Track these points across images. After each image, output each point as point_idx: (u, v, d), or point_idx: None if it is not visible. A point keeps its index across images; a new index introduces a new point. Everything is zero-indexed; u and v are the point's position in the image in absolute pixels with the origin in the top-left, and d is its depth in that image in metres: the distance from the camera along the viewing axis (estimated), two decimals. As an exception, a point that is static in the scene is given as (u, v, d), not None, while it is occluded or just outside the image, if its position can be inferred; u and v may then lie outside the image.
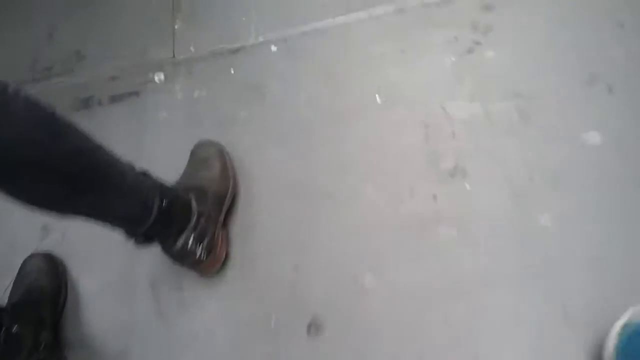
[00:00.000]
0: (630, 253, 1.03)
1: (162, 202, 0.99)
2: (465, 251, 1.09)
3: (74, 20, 1.60)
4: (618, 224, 1.05)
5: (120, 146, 1.33)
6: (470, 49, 1.25)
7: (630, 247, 1.04)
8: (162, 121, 1.39)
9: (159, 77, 1.44)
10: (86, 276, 1.26)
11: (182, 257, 1.08)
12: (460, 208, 1.12)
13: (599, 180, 1.08)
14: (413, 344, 1.05)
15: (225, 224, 1.20)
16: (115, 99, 1.45)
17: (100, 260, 1.26)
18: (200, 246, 1.08)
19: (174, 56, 1.46)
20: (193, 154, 1.24)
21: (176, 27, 1.50)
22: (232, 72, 1.40)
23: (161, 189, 1.01)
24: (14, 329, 1.07)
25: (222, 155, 1.22)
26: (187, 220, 1.07)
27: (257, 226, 1.21)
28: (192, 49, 1.46)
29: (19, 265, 1.25)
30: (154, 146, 1.37)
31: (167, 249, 1.07)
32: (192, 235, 1.07)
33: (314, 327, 1.11)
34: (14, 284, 1.23)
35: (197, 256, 1.08)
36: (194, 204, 1.09)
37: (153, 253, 1.15)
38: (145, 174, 1.01)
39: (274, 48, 1.39)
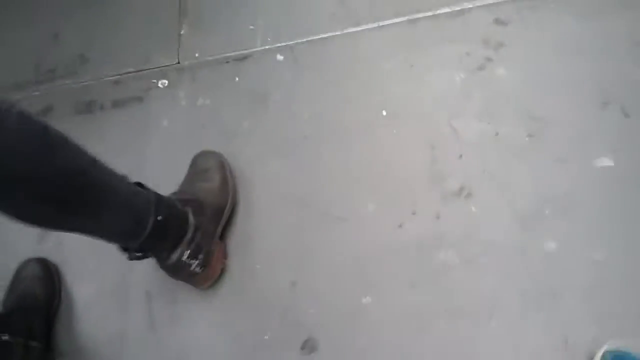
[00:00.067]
0: (635, 283, 1.02)
1: (157, 217, 1.00)
2: (466, 276, 1.09)
3: (79, 22, 1.61)
4: (624, 253, 1.04)
5: (121, 152, 1.37)
6: (481, 65, 1.25)
7: (635, 277, 1.02)
8: (165, 128, 1.40)
9: (162, 83, 1.45)
10: (81, 283, 1.27)
11: (176, 271, 1.09)
12: (464, 230, 1.12)
13: (608, 208, 1.08)
14: (408, 370, 1.05)
15: (222, 236, 1.20)
16: (117, 103, 1.46)
17: (96, 267, 1.27)
18: (196, 261, 1.09)
19: (178, 62, 1.47)
20: (193, 163, 1.24)
21: (182, 32, 1.51)
22: (237, 80, 1.40)
23: (157, 202, 1.01)
24: (5, 337, 1.08)
25: (223, 167, 1.22)
26: (183, 234, 1.07)
27: (255, 240, 1.21)
28: (197, 55, 1.47)
29: (14, 271, 1.25)
30: (155, 153, 1.38)
31: (162, 262, 1.07)
32: (188, 250, 1.07)
33: (308, 346, 1.11)
34: (8, 289, 1.25)
35: (192, 270, 1.09)
36: (190, 217, 1.09)
37: (149, 263, 1.15)
38: (140, 187, 1.02)
39: (280, 57, 1.39)
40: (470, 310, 1.07)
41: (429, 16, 1.33)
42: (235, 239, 1.23)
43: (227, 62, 1.43)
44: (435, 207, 1.15)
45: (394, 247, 1.14)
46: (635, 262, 1.04)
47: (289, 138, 1.30)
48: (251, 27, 1.46)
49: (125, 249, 1.01)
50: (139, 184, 1.02)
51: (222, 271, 1.18)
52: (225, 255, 1.19)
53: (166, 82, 1.46)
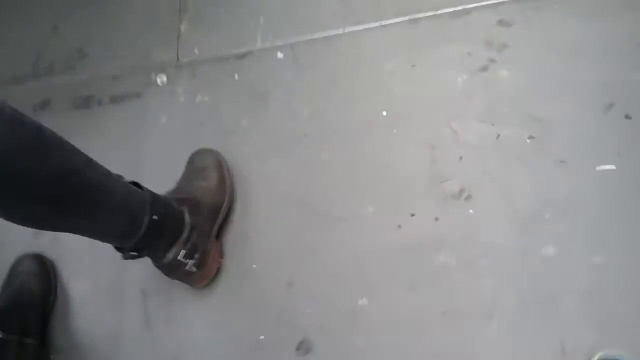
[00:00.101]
0: (634, 288, 1.02)
1: (153, 216, 1.00)
2: (465, 278, 1.09)
3: (78, 16, 1.61)
4: (623, 258, 1.04)
5: (118, 148, 1.38)
6: (484, 66, 1.24)
7: (635, 282, 1.03)
8: (163, 125, 1.40)
9: (161, 79, 1.45)
10: (77, 279, 1.28)
11: (171, 271, 1.09)
12: (462, 233, 1.12)
13: (609, 213, 1.07)
14: (404, 373, 1.05)
15: (219, 235, 1.21)
16: (116, 99, 1.46)
17: (92, 263, 1.28)
18: (191, 260, 1.09)
19: (177, 58, 1.47)
20: (191, 161, 1.25)
21: (182, 28, 1.51)
22: (236, 77, 1.41)
23: (152, 202, 1.02)
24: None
25: (220, 165, 1.23)
26: (178, 233, 1.08)
27: (252, 239, 1.22)
28: (196, 51, 1.47)
29: (10, 266, 1.26)
30: (153, 150, 1.39)
31: (157, 261, 1.08)
32: (183, 249, 1.08)
33: (303, 347, 1.12)
34: (3, 285, 1.25)
35: (188, 270, 1.09)
36: (187, 216, 1.10)
37: (145, 261, 1.16)
38: (135, 186, 1.02)
39: (280, 55, 1.39)
40: (469, 313, 1.08)
41: (431, 16, 1.33)
42: (232, 238, 1.23)
43: (227, 59, 1.43)
44: (435, 209, 1.15)
45: (393, 248, 1.15)
46: (635, 266, 1.04)
47: (288, 137, 1.31)
48: (252, 23, 1.46)
49: (120, 248, 1.01)
50: (135, 183, 1.03)
51: (218, 270, 1.19)
52: (221, 255, 1.19)
53: (165, 78, 1.46)
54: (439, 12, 1.33)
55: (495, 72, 1.24)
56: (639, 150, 1.10)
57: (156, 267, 1.09)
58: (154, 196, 1.05)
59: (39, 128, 0.83)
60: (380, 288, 1.12)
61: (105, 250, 1.12)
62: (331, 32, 1.39)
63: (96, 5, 1.61)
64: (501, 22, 1.27)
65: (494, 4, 1.29)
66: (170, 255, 1.07)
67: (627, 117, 1.13)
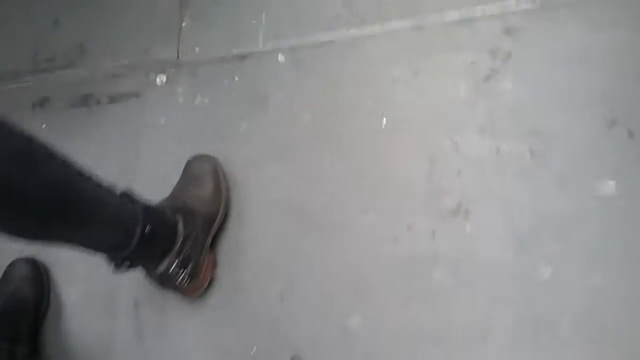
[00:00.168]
0: (630, 310, 1.02)
1: (145, 228, 1.01)
2: (459, 298, 1.10)
3: (80, 11, 1.61)
4: (620, 280, 1.04)
5: (116, 149, 1.39)
6: (487, 76, 1.24)
7: (631, 305, 1.03)
8: (161, 126, 1.41)
9: (160, 78, 1.46)
10: (70, 285, 1.30)
11: (163, 282, 1.11)
12: (459, 251, 1.12)
13: (608, 235, 1.07)
14: (394, 392, 1.07)
15: (213, 245, 1.22)
16: (114, 98, 1.47)
17: (86, 269, 1.30)
18: (184, 271, 1.10)
19: (178, 57, 1.48)
20: (187, 168, 1.25)
21: (183, 25, 1.51)
22: (237, 79, 1.41)
23: (144, 212, 1.03)
24: (-10, 343, 1.11)
25: (216, 173, 1.23)
26: (171, 244, 1.09)
27: (246, 250, 1.23)
28: (197, 50, 1.47)
29: (2, 270, 1.28)
30: (150, 152, 1.40)
31: (149, 272, 1.09)
32: (176, 260, 1.09)
33: (294, 362, 1.13)
34: (-4, 290, 1.27)
35: (180, 281, 1.11)
36: (180, 226, 1.11)
37: (138, 268, 1.17)
38: (128, 196, 1.03)
39: (281, 58, 1.39)
40: (463, 332, 1.08)
41: (436, 22, 1.32)
42: (227, 247, 1.24)
43: (228, 60, 1.43)
44: (431, 224, 1.15)
45: (388, 263, 1.15)
46: (632, 288, 1.03)
47: (287, 142, 1.31)
48: (254, 22, 1.45)
49: (112, 259, 1.02)
50: (127, 193, 1.04)
51: (212, 280, 1.20)
52: (215, 265, 1.20)
53: (164, 77, 1.46)
54: (445, 18, 1.32)
55: (499, 82, 1.23)
56: (639, 169, 1.09)
57: (149, 278, 1.10)
58: (147, 206, 1.06)
59: (29, 139, 0.84)
60: (373, 303, 1.13)
61: (99, 257, 1.14)
62: (334, 36, 1.38)
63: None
64: (507, 31, 1.26)
65: (501, 12, 1.28)
66: (162, 267, 1.08)
67: (630, 134, 1.12)
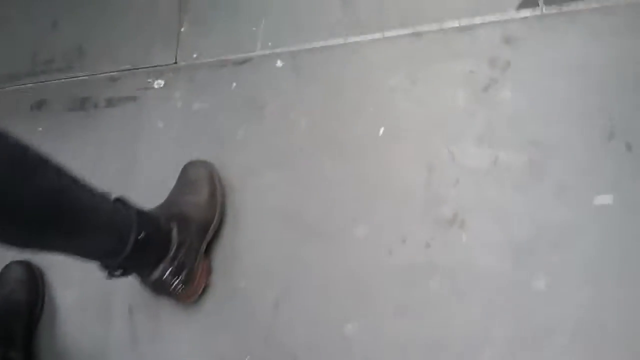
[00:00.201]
0: (624, 325, 1.03)
1: (139, 235, 1.01)
2: (455, 308, 1.10)
3: (79, 12, 1.62)
4: (615, 294, 1.04)
5: (112, 154, 1.40)
6: (486, 86, 1.24)
7: (625, 320, 1.03)
8: (158, 132, 1.42)
9: (158, 83, 1.47)
10: (65, 288, 1.31)
11: (157, 289, 1.11)
12: (454, 261, 1.13)
13: (604, 247, 1.07)
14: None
15: (208, 251, 1.22)
16: (112, 102, 1.48)
17: (81, 273, 1.30)
18: (178, 278, 1.11)
19: (176, 62, 1.48)
20: (183, 174, 1.26)
21: (182, 29, 1.51)
22: (234, 85, 1.41)
23: (139, 219, 1.03)
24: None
25: (212, 179, 1.24)
26: (165, 250, 1.10)
27: (241, 257, 1.24)
28: (195, 55, 1.48)
29: (-2, 274, 1.29)
30: (147, 156, 1.40)
31: (143, 279, 1.10)
32: (170, 267, 1.09)
33: (288, 370, 1.14)
34: (-9, 293, 1.28)
35: (174, 288, 1.11)
36: (174, 233, 1.11)
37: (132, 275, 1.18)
38: (122, 203, 1.03)
39: (279, 63, 1.39)
40: (458, 344, 1.08)
41: (435, 29, 1.32)
42: (222, 253, 1.25)
43: (226, 65, 1.44)
44: (427, 235, 1.16)
45: (384, 272, 1.16)
46: (627, 303, 1.04)
47: (284, 149, 1.32)
48: (253, 28, 1.46)
49: (105, 266, 1.03)
50: (121, 200, 1.04)
51: (206, 287, 1.20)
52: (209, 271, 1.21)
53: (162, 82, 1.47)
54: (444, 25, 1.33)
55: (497, 92, 1.23)
56: (637, 183, 1.10)
57: (142, 285, 1.11)
58: (141, 213, 1.06)
59: (24, 147, 0.84)
60: (370, 311, 1.14)
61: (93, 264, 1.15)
62: (333, 42, 1.39)
63: (97, 2, 1.62)
64: (506, 40, 1.27)
65: (501, 20, 1.29)
66: (156, 274, 1.08)
67: (628, 147, 1.13)
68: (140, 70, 1.50)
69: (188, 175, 1.25)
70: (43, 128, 1.49)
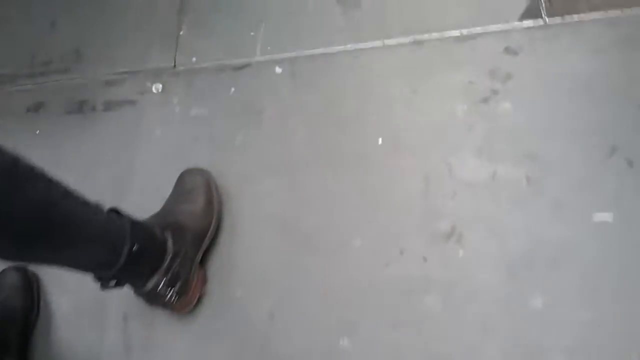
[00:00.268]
0: (619, 347, 1.04)
1: (133, 246, 1.02)
2: (450, 324, 1.11)
3: (77, 13, 1.63)
4: (611, 316, 1.05)
5: (109, 159, 1.40)
6: (486, 97, 1.25)
7: (620, 341, 1.04)
8: (156, 137, 1.42)
9: (156, 87, 1.47)
10: (60, 295, 1.32)
11: (151, 300, 1.12)
12: (450, 276, 1.14)
13: (601, 266, 1.08)
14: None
15: (203, 260, 1.23)
16: (109, 106, 1.48)
17: (76, 279, 1.28)
18: (172, 289, 1.12)
19: (174, 66, 1.49)
20: (179, 182, 1.27)
21: (181, 33, 1.52)
22: (233, 90, 1.42)
23: (132, 230, 1.04)
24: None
25: (209, 187, 1.25)
26: (160, 261, 1.10)
27: (237, 265, 1.25)
28: (194, 59, 1.48)
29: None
30: (144, 163, 1.41)
31: (137, 290, 1.11)
32: (164, 278, 1.10)
33: (282, 383, 1.15)
34: (-14, 299, 1.29)
35: (168, 299, 1.12)
36: (169, 243, 1.12)
37: (128, 282, 1.20)
38: (115, 214, 1.04)
39: (278, 70, 1.40)
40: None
41: (436, 38, 1.33)
42: (218, 261, 1.26)
43: (224, 70, 1.45)
44: (424, 248, 1.17)
45: (380, 285, 1.17)
46: (622, 324, 1.05)
47: (282, 157, 1.32)
48: (252, 33, 1.46)
49: (98, 278, 1.04)
50: (115, 210, 1.05)
51: (202, 296, 1.21)
52: (205, 281, 1.22)
53: (160, 86, 1.48)
54: (446, 34, 1.33)
55: (497, 104, 1.24)
56: (637, 200, 1.10)
57: (136, 295, 1.12)
58: (135, 224, 1.07)
59: (15, 159, 0.85)
60: (363, 326, 1.15)
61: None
62: (333, 49, 1.40)
63: (96, 2, 1.63)
64: (508, 50, 1.27)
65: (502, 30, 1.30)
66: (150, 285, 1.09)
67: (629, 163, 1.13)
68: (138, 73, 1.51)
69: (184, 183, 1.26)
70: (40, 131, 1.50)
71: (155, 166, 1.39)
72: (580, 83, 1.21)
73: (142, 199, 1.34)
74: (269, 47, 1.44)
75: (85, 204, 0.97)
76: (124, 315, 1.25)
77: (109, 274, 1.03)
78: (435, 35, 1.33)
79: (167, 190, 1.28)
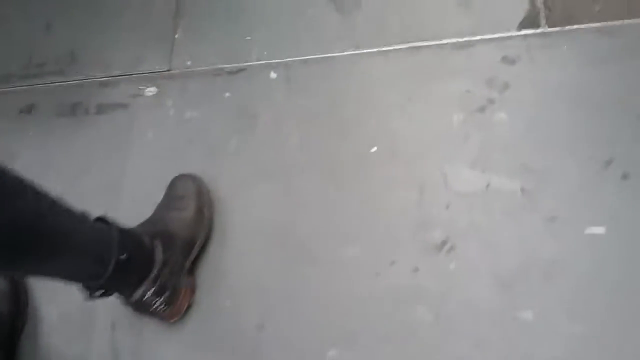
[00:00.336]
0: (610, 358, 1.04)
1: (120, 255, 1.02)
2: (440, 336, 1.11)
3: (73, 15, 1.63)
4: (602, 331, 1.05)
5: (100, 163, 1.41)
6: (482, 107, 1.24)
7: (614, 354, 1.04)
8: (148, 140, 1.42)
9: (150, 90, 1.47)
10: (48, 302, 1.32)
11: (139, 309, 1.12)
12: (442, 288, 1.14)
13: (593, 281, 1.08)
14: None
15: (193, 268, 1.23)
16: (102, 109, 1.49)
17: (64, 286, 1.31)
18: (160, 299, 1.12)
19: (169, 69, 1.49)
20: (170, 187, 1.27)
21: (176, 36, 1.52)
22: (227, 94, 1.42)
23: (120, 239, 1.04)
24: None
25: (200, 194, 1.25)
26: (148, 270, 1.10)
27: (227, 274, 1.25)
28: (189, 63, 1.48)
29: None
30: (137, 167, 1.41)
31: (125, 299, 1.11)
32: (152, 287, 1.10)
33: (269, 395, 1.15)
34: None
35: (156, 308, 1.12)
36: (158, 251, 1.12)
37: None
38: (103, 222, 1.04)
39: (273, 75, 1.40)
40: (441, 374, 1.10)
41: (433, 45, 1.33)
42: (208, 270, 1.26)
43: (219, 74, 1.45)
44: (415, 259, 1.16)
45: (371, 297, 1.17)
46: (613, 339, 1.05)
47: (275, 163, 1.32)
48: (248, 37, 1.47)
49: (86, 287, 1.04)
50: (102, 219, 1.05)
51: (190, 305, 1.21)
52: (193, 290, 1.22)
53: (155, 89, 1.48)
54: (443, 42, 1.33)
55: (493, 114, 1.24)
56: (631, 214, 1.10)
57: (124, 304, 1.12)
58: (123, 232, 1.07)
59: (2, 171, 0.85)
60: (353, 337, 1.15)
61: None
62: (329, 54, 1.39)
63: (92, 5, 1.63)
64: (505, 59, 1.27)
65: (500, 38, 1.29)
66: (138, 294, 1.09)
67: (625, 176, 1.13)
68: (132, 76, 1.51)
69: (176, 189, 1.26)
70: (32, 132, 1.50)
71: (146, 171, 1.39)
72: (578, 93, 1.21)
73: (133, 202, 1.34)
74: (264, 52, 1.44)
75: (72, 215, 0.97)
76: (112, 324, 1.25)
77: (97, 284, 1.03)
78: (432, 42, 1.33)
79: (159, 194, 1.28)
